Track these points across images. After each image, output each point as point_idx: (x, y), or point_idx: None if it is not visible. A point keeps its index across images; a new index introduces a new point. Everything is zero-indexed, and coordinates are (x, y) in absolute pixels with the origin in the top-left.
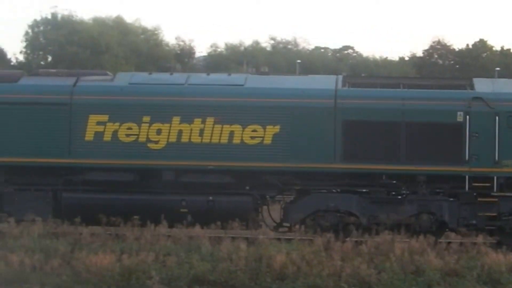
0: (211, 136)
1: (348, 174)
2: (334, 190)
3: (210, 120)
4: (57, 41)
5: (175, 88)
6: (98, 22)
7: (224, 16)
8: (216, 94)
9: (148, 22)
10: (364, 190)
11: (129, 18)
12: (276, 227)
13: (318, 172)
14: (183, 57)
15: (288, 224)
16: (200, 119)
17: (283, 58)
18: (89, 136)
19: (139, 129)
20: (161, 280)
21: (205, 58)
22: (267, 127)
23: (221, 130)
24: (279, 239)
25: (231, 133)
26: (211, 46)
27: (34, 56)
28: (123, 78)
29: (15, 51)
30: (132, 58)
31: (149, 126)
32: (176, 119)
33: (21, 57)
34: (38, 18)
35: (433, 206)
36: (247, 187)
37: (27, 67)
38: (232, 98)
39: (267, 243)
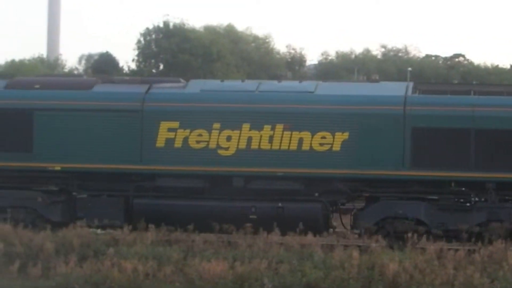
0: (281, 142)
1: (416, 181)
2: (402, 197)
3: (279, 127)
4: (169, 49)
5: (245, 95)
6: (210, 30)
7: (335, 24)
8: (286, 101)
9: (259, 30)
10: (432, 197)
11: (240, 26)
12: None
13: (387, 179)
14: (293, 65)
15: (358, 231)
16: (269, 126)
17: (393, 66)
18: (160, 142)
19: (209, 135)
20: None
21: (315, 66)
22: (336, 133)
23: (291, 137)
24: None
25: (300, 140)
26: (322, 54)
27: (146, 64)
28: (195, 86)
29: (127, 59)
30: (243, 66)
31: (219, 133)
32: (246, 126)
33: (133, 65)
34: (150, 27)
35: (502, 213)
36: (316, 194)
37: (139, 75)
38: (302, 105)
39: (379, 251)
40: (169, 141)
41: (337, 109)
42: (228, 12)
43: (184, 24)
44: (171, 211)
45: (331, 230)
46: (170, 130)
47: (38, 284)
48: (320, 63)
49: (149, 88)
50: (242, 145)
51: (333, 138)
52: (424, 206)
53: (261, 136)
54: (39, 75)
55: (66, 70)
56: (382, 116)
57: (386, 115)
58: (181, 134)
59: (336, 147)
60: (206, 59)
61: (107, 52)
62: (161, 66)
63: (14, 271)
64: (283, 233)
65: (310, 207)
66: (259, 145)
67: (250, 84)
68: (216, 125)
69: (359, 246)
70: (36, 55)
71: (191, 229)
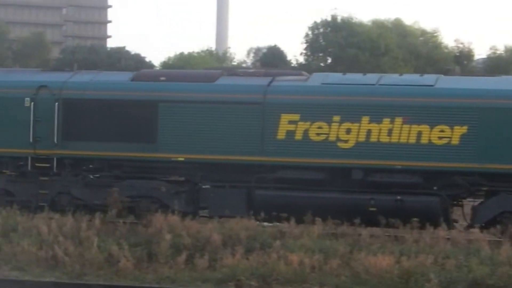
0: (399, 136)
1: None
2: None
3: (398, 120)
4: (337, 43)
5: (365, 88)
6: (377, 24)
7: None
8: (405, 94)
9: (427, 24)
10: None
11: (408, 20)
12: (466, 228)
13: (506, 173)
14: (461, 59)
15: (478, 225)
16: (388, 119)
17: None
18: (281, 134)
19: (329, 128)
20: (439, 283)
21: (484, 61)
22: (455, 127)
23: (409, 130)
24: None
25: (419, 133)
26: (490, 49)
27: (313, 58)
28: (317, 79)
29: (295, 53)
30: (411, 60)
31: (339, 126)
32: (365, 119)
33: (301, 59)
34: (318, 20)
35: None
36: (435, 188)
37: (306, 68)
38: (421, 98)
39: None
40: (290, 133)
41: (456, 102)
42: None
43: (351, 18)
44: (292, 203)
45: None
46: (290, 122)
47: (205, 276)
48: (489, 58)
49: (271, 81)
50: (362, 138)
51: (452, 131)
52: None
53: (380, 129)
54: (207, 67)
55: (234, 63)
56: (503, 110)
57: (506, 109)
58: (302, 126)
59: (455, 140)
60: (374, 53)
61: (275, 45)
62: (329, 60)
63: (181, 262)
64: (402, 226)
65: (429, 201)
66: (378, 138)
67: (371, 77)
68: (336, 118)
69: None
70: (205, 48)
71: (357, 223)
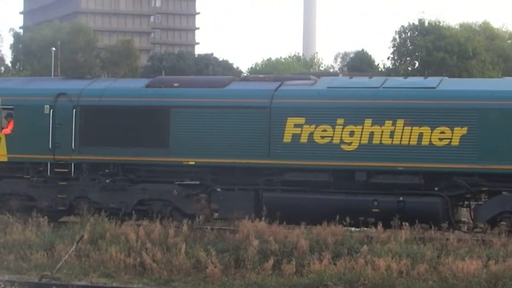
0: (401, 138)
1: None
2: None
3: (400, 122)
4: (424, 47)
5: (369, 91)
6: (465, 28)
7: None
8: (407, 96)
9: None
10: None
11: (496, 23)
12: (470, 228)
13: (506, 173)
14: None
15: (481, 225)
16: (390, 121)
17: None
18: (287, 138)
19: (333, 131)
20: None
21: None
22: (455, 128)
23: (411, 132)
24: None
25: (420, 135)
26: None
27: (401, 62)
28: (323, 83)
29: (383, 58)
30: (499, 63)
31: (343, 128)
32: (368, 121)
33: (388, 63)
34: (406, 25)
35: None
36: (436, 188)
37: (394, 73)
38: (422, 101)
39: None
40: (296, 137)
41: (455, 104)
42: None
43: (439, 22)
44: (298, 204)
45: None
46: (296, 126)
47: (292, 281)
48: None
49: (279, 86)
50: (365, 140)
51: (452, 133)
52: None
53: (382, 132)
54: (295, 73)
55: (322, 68)
56: (503, 111)
57: (505, 110)
58: (307, 129)
59: (455, 142)
60: (461, 56)
61: (362, 50)
62: (416, 64)
63: (268, 268)
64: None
65: (430, 202)
66: (381, 140)
67: (375, 81)
68: (340, 121)
69: None
70: (292, 54)
71: (444, 227)
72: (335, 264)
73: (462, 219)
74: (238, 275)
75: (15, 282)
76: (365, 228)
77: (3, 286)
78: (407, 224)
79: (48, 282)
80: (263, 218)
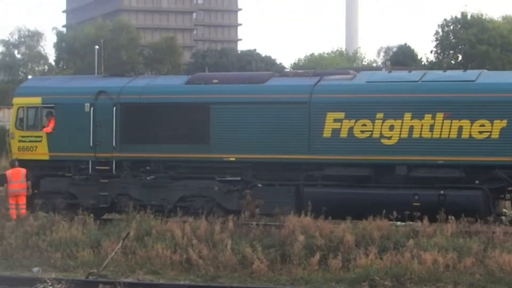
0: (441, 131)
1: None
2: None
3: (439, 116)
4: (467, 40)
5: (408, 85)
6: (508, 20)
7: None
8: (446, 90)
9: None
10: None
11: None
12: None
13: None
14: None
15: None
16: (430, 115)
17: None
18: (326, 133)
19: (373, 125)
20: None
21: None
22: (495, 121)
23: (450, 125)
24: None
25: (460, 128)
26: None
27: (444, 56)
28: (363, 77)
29: (426, 51)
30: None
31: (382, 123)
32: (407, 115)
33: (431, 57)
34: (448, 18)
35: None
36: (477, 182)
37: (437, 66)
38: (461, 94)
39: None
40: (335, 131)
41: (495, 97)
42: None
43: (482, 15)
44: (339, 199)
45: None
46: (336, 120)
47: (339, 276)
48: None
49: (318, 81)
50: (404, 134)
51: (492, 125)
52: None
53: (422, 125)
54: (338, 68)
55: (364, 63)
56: None
57: None
58: (347, 124)
59: (495, 134)
60: (505, 49)
61: (405, 44)
62: (460, 57)
63: (314, 263)
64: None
65: (471, 195)
66: (420, 133)
67: (415, 75)
68: (380, 115)
69: None
70: (335, 49)
71: (490, 220)
72: (381, 258)
73: (504, 212)
74: (284, 271)
75: (62, 280)
76: (411, 222)
77: (50, 284)
78: (452, 218)
79: (95, 280)
80: (308, 213)
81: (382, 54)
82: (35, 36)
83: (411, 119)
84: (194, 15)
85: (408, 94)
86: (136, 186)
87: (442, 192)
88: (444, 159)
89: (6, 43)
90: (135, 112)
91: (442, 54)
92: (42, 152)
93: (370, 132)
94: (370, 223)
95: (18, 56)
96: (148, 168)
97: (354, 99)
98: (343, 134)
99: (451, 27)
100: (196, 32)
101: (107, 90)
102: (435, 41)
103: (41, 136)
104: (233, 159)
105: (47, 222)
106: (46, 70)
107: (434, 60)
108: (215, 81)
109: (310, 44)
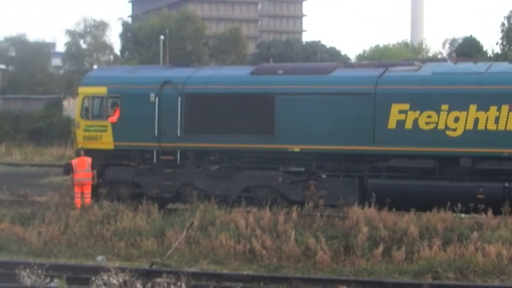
0: (506, 123)
1: None
2: None
3: (505, 108)
4: None
5: (473, 77)
6: None
7: None
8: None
9: None
10: None
11: None
12: None
13: None
14: None
15: None
16: (495, 107)
17: None
18: (391, 124)
19: (438, 117)
20: None
21: None
22: None
23: None
24: None
25: None
26: None
27: (510, 48)
28: (428, 68)
29: (492, 43)
30: None
31: (448, 114)
32: (473, 107)
33: (497, 49)
34: None
35: None
36: None
37: (503, 58)
38: None
39: None
40: (400, 123)
41: None
42: None
43: None
44: (403, 191)
45: None
46: (401, 112)
47: (402, 268)
48: None
49: (383, 72)
50: (469, 126)
51: None
52: None
53: (487, 117)
54: (403, 59)
55: (430, 54)
56: None
57: None
58: (412, 115)
59: None
60: None
61: (471, 36)
62: None
63: (378, 255)
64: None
65: None
66: (486, 126)
67: (480, 66)
68: (445, 107)
69: None
70: (400, 40)
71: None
72: (445, 250)
73: None
74: (348, 262)
75: (125, 269)
76: (475, 215)
77: (114, 272)
78: None
79: (159, 269)
80: (372, 204)
81: (447, 45)
82: (101, 26)
83: (476, 111)
84: (259, 5)
85: (473, 86)
86: (201, 176)
87: (507, 185)
88: (510, 151)
89: (72, 33)
90: (200, 102)
91: (508, 46)
92: (107, 141)
93: (435, 124)
94: (434, 215)
95: (84, 46)
96: (212, 158)
97: (420, 90)
98: (408, 125)
99: None
100: (261, 22)
101: (172, 80)
102: (501, 32)
103: (106, 126)
104: (298, 149)
105: (111, 211)
106: (111, 60)
107: (499, 52)
108: (280, 71)
109: (375, 36)
